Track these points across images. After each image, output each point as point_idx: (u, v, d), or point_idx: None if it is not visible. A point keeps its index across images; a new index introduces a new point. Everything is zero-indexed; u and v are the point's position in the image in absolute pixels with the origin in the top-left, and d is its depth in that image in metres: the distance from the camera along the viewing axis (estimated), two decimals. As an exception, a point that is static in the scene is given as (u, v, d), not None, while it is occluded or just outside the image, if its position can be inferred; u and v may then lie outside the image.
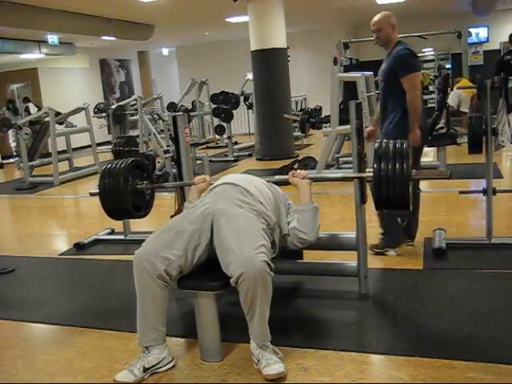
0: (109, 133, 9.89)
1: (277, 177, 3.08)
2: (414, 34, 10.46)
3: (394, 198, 2.42)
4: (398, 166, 2.38)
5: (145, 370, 2.33)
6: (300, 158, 7.55)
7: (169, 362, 2.40)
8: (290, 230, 2.66)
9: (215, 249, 2.42)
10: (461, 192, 4.32)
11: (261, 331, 2.31)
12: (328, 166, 6.86)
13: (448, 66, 13.83)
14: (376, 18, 3.68)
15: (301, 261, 3.34)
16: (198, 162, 7.73)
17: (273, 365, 2.25)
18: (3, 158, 10.14)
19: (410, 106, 3.48)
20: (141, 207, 2.94)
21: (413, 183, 2.94)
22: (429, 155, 8.16)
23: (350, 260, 3.12)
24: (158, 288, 2.34)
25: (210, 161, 8.12)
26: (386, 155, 2.43)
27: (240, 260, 2.23)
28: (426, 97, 10.04)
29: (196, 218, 2.47)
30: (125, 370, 2.33)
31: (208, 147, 10.62)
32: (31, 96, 13.32)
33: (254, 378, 2.28)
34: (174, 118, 3.28)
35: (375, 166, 2.44)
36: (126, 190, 2.76)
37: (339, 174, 3.18)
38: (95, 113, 10.53)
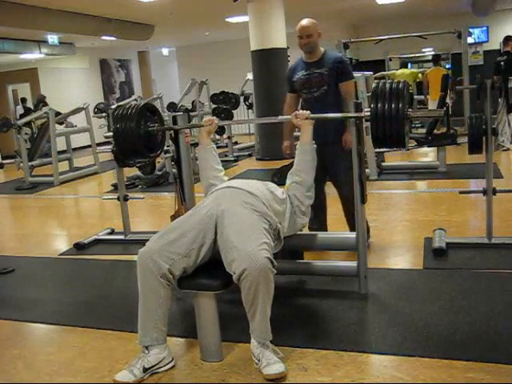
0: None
1: (280, 117, 3.24)
2: (413, 34, 10.48)
3: (391, 136, 2.59)
4: (393, 105, 2.55)
5: (144, 370, 2.32)
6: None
7: (169, 362, 2.40)
8: (290, 191, 2.91)
9: (219, 249, 2.43)
10: (461, 192, 4.32)
11: (262, 329, 2.31)
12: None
13: (448, 66, 13.84)
14: (305, 23, 3.58)
15: (301, 261, 3.34)
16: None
17: (273, 364, 2.25)
18: (3, 158, 10.15)
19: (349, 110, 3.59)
20: (153, 148, 3.14)
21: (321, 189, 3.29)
22: (429, 155, 8.17)
23: (350, 260, 3.12)
24: (162, 287, 2.35)
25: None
26: (382, 95, 2.59)
27: (243, 256, 2.24)
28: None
29: (200, 219, 2.49)
30: (125, 369, 2.33)
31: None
32: (31, 96, 13.34)
33: (254, 378, 2.28)
34: (174, 118, 3.28)
35: (372, 105, 2.60)
36: (139, 132, 2.98)
37: (339, 114, 3.33)
38: (95, 113, 10.54)
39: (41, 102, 11.16)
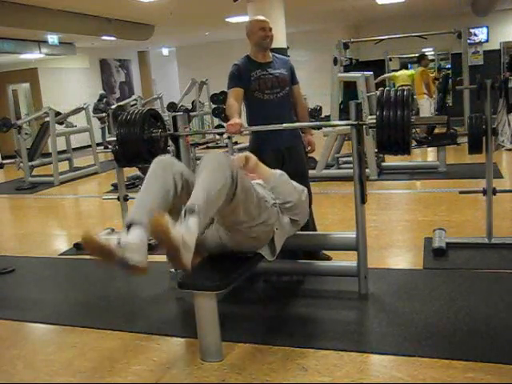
0: (109, 133, 9.91)
1: (285, 125, 3.22)
2: (413, 34, 10.47)
3: (396, 143, 2.68)
4: (399, 112, 2.63)
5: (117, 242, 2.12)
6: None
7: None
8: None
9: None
10: (461, 192, 4.32)
11: (196, 194, 2.21)
12: (328, 166, 6.87)
13: (448, 65, 13.84)
14: (265, 18, 3.50)
15: (301, 261, 3.34)
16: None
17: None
18: (3, 158, 10.14)
19: (306, 113, 3.68)
20: (155, 154, 3.10)
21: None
22: (429, 155, 8.17)
23: (350, 260, 3.12)
24: (171, 181, 2.34)
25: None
26: (388, 103, 2.67)
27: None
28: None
29: None
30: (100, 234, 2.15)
31: (208, 147, 10.61)
32: (31, 96, 13.35)
33: (254, 378, 2.28)
34: (174, 118, 3.28)
35: (378, 113, 2.68)
36: (142, 138, 3.02)
37: (343, 122, 3.35)
38: (95, 113, 10.56)
39: (104, 97, 12.89)
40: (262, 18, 3.51)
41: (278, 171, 2.87)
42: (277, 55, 3.54)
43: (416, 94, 9.44)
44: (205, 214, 2.18)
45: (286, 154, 3.38)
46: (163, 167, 2.38)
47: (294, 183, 2.90)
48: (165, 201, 2.30)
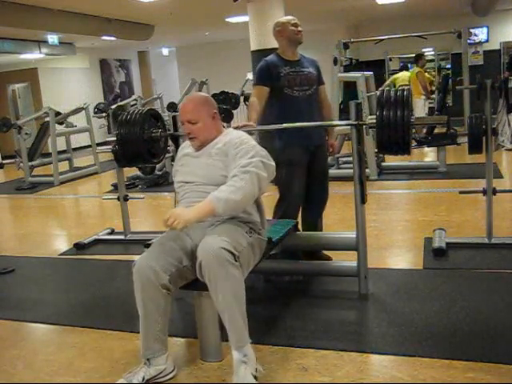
0: (109, 133, 9.91)
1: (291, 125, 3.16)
2: (413, 34, 10.47)
3: (396, 143, 2.68)
4: (399, 112, 2.63)
5: (144, 380, 2.26)
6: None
7: (170, 372, 2.33)
8: None
9: None
10: (461, 192, 4.32)
11: (235, 337, 2.21)
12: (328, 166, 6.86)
13: (448, 65, 13.84)
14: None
15: (301, 261, 3.34)
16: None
17: None
18: (3, 158, 10.14)
19: (331, 114, 3.64)
20: (155, 154, 3.16)
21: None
22: (429, 155, 8.17)
23: (350, 260, 3.12)
24: (162, 297, 2.27)
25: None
26: (388, 103, 2.66)
27: (199, 250, 2.20)
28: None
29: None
30: (123, 379, 2.27)
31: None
32: (30, 96, 13.34)
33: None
34: (174, 118, 3.28)
35: (378, 113, 2.67)
36: (142, 138, 3.01)
37: (343, 122, 3.35)
38: (95, 113, 10.55)
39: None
40: (291, 17, 3.49)
41: (211, 197, 2.26)
42: (304, 55, 3.55)
43: (413, 94, 9.46)
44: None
45: (314, 151, 3.41)
46: (147, 282, 2.23)
47: (230, 184, 2.30)
48: (164, 316, 2.31)
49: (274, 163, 2.44)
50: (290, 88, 3.34)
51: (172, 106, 10.84)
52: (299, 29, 3.42)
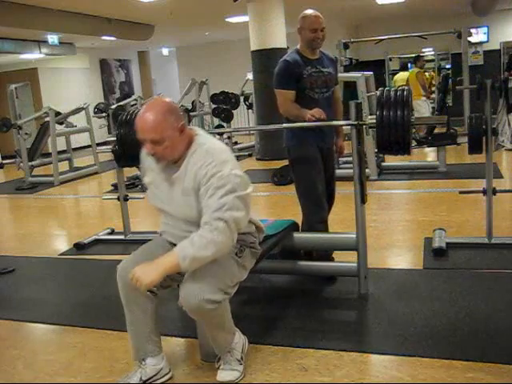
0: (109, 133, 9.89)
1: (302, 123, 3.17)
2: (414, 34, 10.48)
3: (396, 142, 2.69)
4: (399, 112, 2.64)
5: (142, 381, 2.26)
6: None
7: (166, 374, 2.32)
8: None
9: None
10: (461, 192, 4.32)
11: (216, 347, 2.30)
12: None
13: (448, 65, 13.84)
14: (317, 13, 3.25)
15: (301, 261, 3.34)
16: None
17: (228, 371, 2.26)
18: (3, 158, 10.14)
19: (341, 114, 3.58)
20: None
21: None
22: (429, 155, 8.17)
23: (350, 260, 3.12)
24: (148, 300, 2.24)
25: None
26: (388, 103, 2.68)
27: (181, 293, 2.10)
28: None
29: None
30: (121, 380, 2.27)
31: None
32: (31, 96, 13.33)
33: (254, 378, 2.28)
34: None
35: (378, 113, 2.69)
36: None
37: (344, 122, 3.32)
38: (95, 113, 10.54)
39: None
40: (313, 14, 3.24)
41: (177, 251, 2.04)
42: (324, 51, 3.41)
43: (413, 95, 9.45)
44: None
45: (326, 153, 3.40)
46: (129, 286, 2.13)
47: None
48: (152, 317, 2.28)
49: (251, 188, 2.13)
50: (312, 90, 3.24)
51: (172, 106, 10.83)
52: (318, 35, 3.21)
